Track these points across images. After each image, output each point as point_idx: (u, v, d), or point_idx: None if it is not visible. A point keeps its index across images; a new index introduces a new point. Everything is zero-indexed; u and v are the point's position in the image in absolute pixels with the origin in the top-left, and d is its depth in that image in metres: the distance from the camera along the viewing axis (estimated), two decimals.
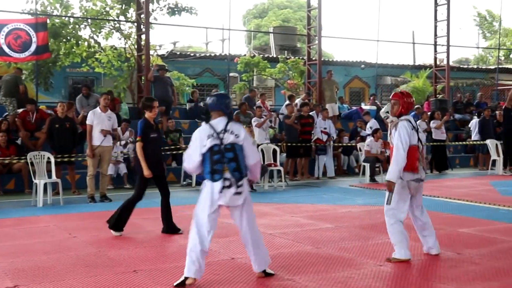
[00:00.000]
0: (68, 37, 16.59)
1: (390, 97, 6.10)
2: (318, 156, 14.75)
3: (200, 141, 5.01)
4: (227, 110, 5.15)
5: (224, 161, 4.96)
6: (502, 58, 29.57)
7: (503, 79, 28.24)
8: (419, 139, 5.80)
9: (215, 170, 4.96)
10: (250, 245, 5.18)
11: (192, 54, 25.33)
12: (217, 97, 5.22)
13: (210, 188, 4.99)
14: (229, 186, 4.97)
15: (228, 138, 5.01)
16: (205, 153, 5.00)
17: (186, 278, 4.95)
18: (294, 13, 47.23)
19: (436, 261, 5.77)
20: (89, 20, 16.89)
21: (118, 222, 7.27)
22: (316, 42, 19.04)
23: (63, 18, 16.43)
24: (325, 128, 14.90)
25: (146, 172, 7.14)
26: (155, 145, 7.35)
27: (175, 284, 4.97)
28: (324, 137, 14.80)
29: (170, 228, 7.41)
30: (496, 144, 15.70)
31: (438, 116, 16.36)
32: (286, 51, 28.09)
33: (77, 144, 12.32)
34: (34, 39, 14.57)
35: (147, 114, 7.38)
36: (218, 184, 4.96)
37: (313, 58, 19.26)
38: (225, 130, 5.03)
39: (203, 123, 5.23)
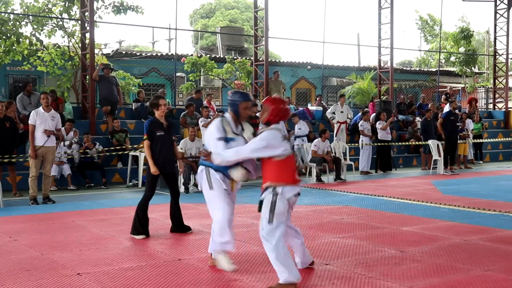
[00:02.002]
0: (8, 34, 16.06)
1: (262, 102, 5.56)
2: None
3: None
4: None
5: None
6: (443, 61, 30.41)
7: (444, 81, 29.13)
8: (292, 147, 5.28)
9: None
10: None
11: (138, 54, 25.03)
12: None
13: None
14: None
15: None
16: None
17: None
18: (241, 14, 47.35)
19: (380, 259, 5.88)
20: (30, 17, 16.43)
21: (136, 226, 7.13)
22: (263, 42, 19.12)
23: (3, 14, 15.91)
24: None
25: (153, 169, 7.11)
26: (162, 143, 7.22)
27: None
28: None
29: (179, 227, 7.41)
30: (438, 145, 16.17)
31: (384, 117, 16.73)
32: (233, 52, 28.12)
33: (18, 144, 11.95)
34: None
35: (156, 113, 7.30)
36: None
37: (260, 59, 19.36)
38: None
39: None
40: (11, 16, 16.07)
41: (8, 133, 11.32)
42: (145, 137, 7.21)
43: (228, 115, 5.56)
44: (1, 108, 11.33)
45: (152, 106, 7.40)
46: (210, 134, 5.46)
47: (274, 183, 4.99)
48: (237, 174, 5.27)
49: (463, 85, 28.58)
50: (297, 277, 4.86)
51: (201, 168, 5.54)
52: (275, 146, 4.99)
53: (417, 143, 18.10)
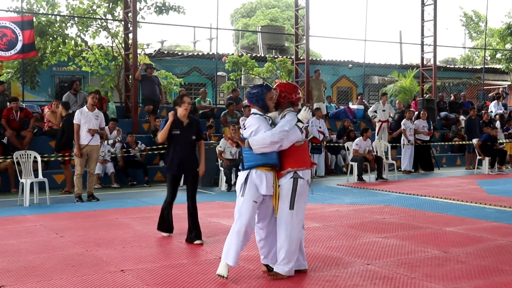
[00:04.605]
0: (55, 36, 16.47)
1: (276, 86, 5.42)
2: (313, 155, 14.78)
3: None
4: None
5: None
6: (488, 58, 29.75)
7: (489, 79, 28.47)
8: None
9: None
10: None
11: (179, 53, 25.30)
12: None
13: None
14: None
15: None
16: None
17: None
18: (282, 13, 47.29)
19: (423, 260, 5.80)
20: (76, 19, 16.79)
21: (160, 223, 7.16)
22: (304, 41, 19.06)
23: (50, 16, 16.32)
24: (320, 127, 15.00)
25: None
26: (177, 142, 6.86)
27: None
28: (321, 136, 14.91)
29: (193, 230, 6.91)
30: None
31: (424, 116, 16.44)
32: (274, 50, 28.14)
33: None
34: (20, 38, 14.46)
35: (178, 110, 6.90)
36: None
37: (301, 58, 19.30)
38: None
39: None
40: (58, 18, 16.47)
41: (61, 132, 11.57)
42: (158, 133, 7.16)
43: (256, 111, 5.24)
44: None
45: (175, 104, 7.06)
46: (255, 129, 5.10)
47: (295, 168, 5.09)
48: (304, 113, 5.08)
49: (509, 83, 27.87)
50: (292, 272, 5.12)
51: (244, 173, 5.16)
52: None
53: (461, 142, 17.76)
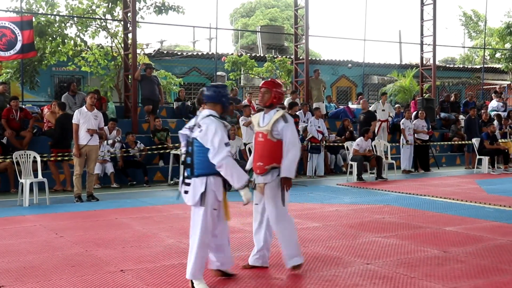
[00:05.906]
0: (54, 36, 16.45)
1: (260, 85, 5.43)
2: (312, 155, 14.75)
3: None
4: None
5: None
6: (488, 57, 29.74)
7: (489, 78, 28.48)
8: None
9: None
10: None
11: (179, 53, 25.30)
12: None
13: None
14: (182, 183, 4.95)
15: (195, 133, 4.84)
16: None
17: None
18: (281, 12, 47.30)
19: (422, 259, 5.80)
20: (75, 19, 16.78)
21: None
22: (303, 41, 19.06)
23: (49, 16, 16.30)
24: (319, 127, 14.99)
25: None
26: None
27: None
28: (319, 136, 14.88)
29: None
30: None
31: (422, 116, 16.43)
32: (273, 50, 28.14)
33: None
34: (19, 38, 14.44)
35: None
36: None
37: (300, 57, 19.29)
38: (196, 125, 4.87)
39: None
40: (57, 18, 16.45)
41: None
42: None
43: (214, 112, 4.96)
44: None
45: (200, 102, 6.84)
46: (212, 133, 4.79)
47: (279, 165, 5.18)
48: (248, 195, 4.87)
49: (509, 82, 27.90)
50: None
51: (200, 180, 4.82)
52: None
53: (460, 142, 17.75)
